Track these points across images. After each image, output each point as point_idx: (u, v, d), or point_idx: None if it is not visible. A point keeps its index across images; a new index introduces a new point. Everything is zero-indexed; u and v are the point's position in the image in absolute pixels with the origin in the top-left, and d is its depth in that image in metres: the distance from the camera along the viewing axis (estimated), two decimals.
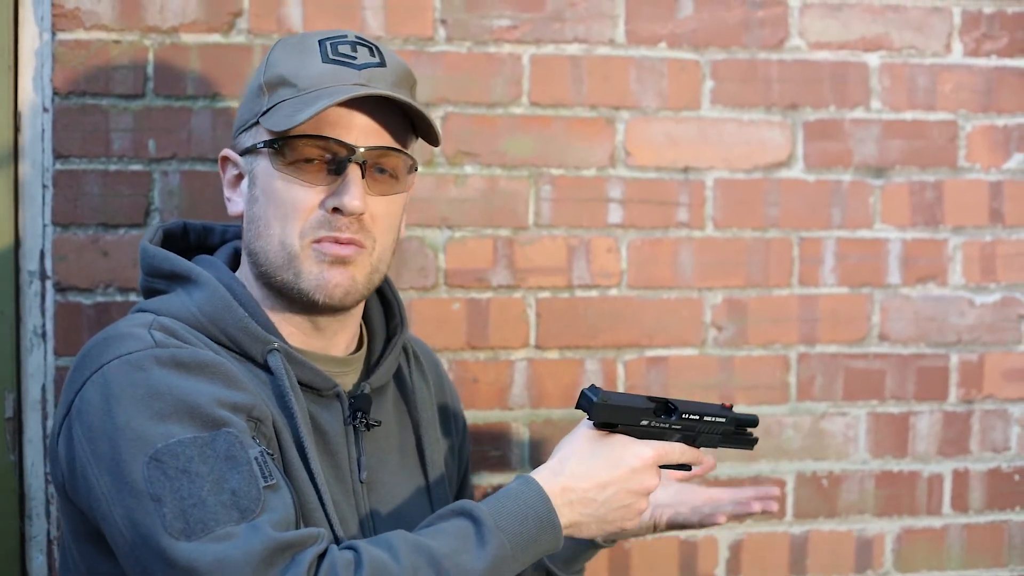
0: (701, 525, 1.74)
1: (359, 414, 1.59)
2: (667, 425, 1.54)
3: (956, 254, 2.33)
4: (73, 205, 2.00)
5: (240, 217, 1.59)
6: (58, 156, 2.00)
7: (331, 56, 1.52)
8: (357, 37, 1.56)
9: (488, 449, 2.17)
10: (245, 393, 1.44)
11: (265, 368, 1.52)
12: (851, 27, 2.27)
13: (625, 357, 2.21)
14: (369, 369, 1.66)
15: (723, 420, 1.59)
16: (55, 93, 1.99)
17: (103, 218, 2.01)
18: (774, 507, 1.74)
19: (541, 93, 2.16)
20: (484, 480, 2.16)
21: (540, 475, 1.47)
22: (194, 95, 2.03)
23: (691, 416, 1.55)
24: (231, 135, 2.00)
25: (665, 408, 1.54)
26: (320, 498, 1.48)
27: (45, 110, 2.01)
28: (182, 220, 1.70)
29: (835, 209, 2.28)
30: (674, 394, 2.20)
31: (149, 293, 1.61)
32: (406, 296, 2.11)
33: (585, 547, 1.80)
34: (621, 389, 2.20)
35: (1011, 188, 2.34)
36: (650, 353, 2.22)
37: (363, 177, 1.50)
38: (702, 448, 1.60)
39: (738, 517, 1.75)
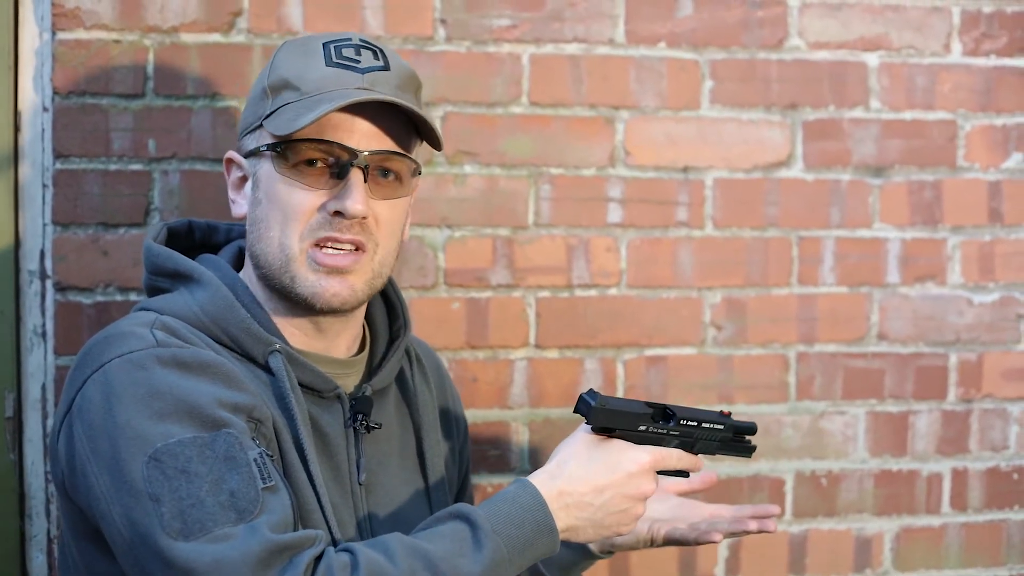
0: (698, 542, 1.71)
1: (360, 416, 1.58)
2: (665, 431, 1.53)
3: (955, 253, 2.33)
4: (73, 205, 2.00)
5: (244, 219, 1.59)
6: (58, 156, 2.00)
7: (335, 59, 1.52)
8: (362, 40, 1.56)
9: (487, 448, 2.17)
10: (246, 394, 1.44)
11: (266, 369, 1.52)
12: (850, 27, 2.27)
13: (624, 356, 2.21)
14: (371, 371, 1.66)
15: (721, 427, 1.59)
16: (55, 93, 1.99)
17: (103, 218, 2.01)
18: (772, 527, 1.69)
19: (541, 93, 2.16)
20: (483, 479, 2.17)
21: (537, 479, 1.47)
22: (194, 95, 2.03)
23: (689, 422, 1.55)
24: (232, 135, 2.01)
25: (663, 414, 1.54)
26: (319, 500, 1.48)
27: (45, 110, 2.01)
28: (187, 218, 1.70)
29: (834, 209, 2.28)
30: (673, 393, 2.20)
31: (152, 291, 1.61)
32: (406, 295, 2.10)
33: (582, 556, 1.78)
34: (620, 388, 2.20)
35: (1010, 187, 2.34)
36: (649, 352, 2.22)
37: (365, 181, 1.50)
38: (700, 456, 1.60)
39: (734, 535, 1.72)
